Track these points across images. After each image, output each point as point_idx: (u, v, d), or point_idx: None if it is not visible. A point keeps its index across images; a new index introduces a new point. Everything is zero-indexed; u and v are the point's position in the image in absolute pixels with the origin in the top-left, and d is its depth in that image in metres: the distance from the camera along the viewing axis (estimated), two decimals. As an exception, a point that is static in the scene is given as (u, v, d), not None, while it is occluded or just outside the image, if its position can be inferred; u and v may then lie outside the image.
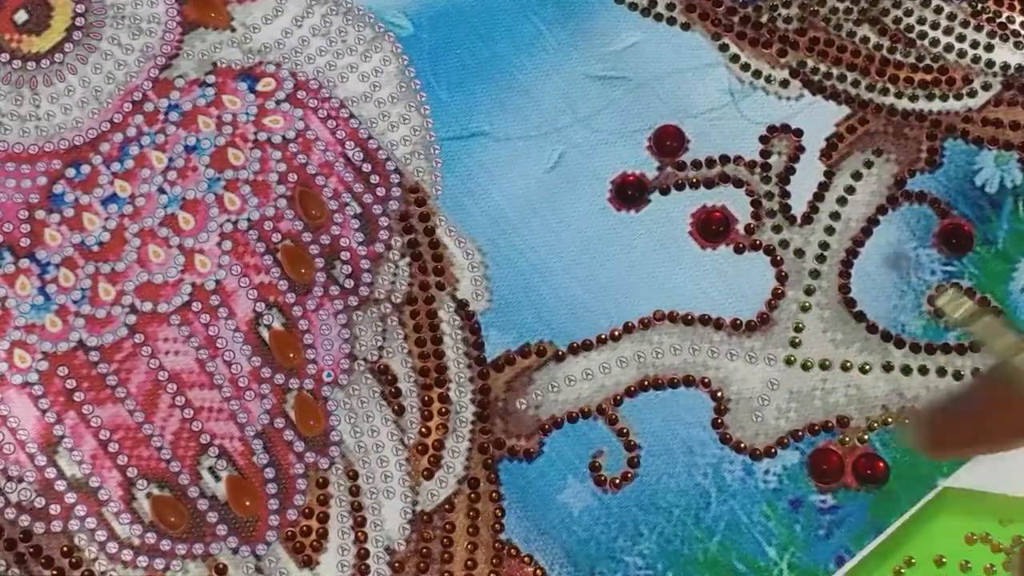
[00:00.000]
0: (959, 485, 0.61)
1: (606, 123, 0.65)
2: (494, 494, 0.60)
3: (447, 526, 0.59)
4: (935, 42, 0.67)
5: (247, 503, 0.58)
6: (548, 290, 0.62)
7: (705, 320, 0.62)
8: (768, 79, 0.66)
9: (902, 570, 0.59)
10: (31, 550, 0.57)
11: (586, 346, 0.62)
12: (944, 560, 0.59)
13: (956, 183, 0.65)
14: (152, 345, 0.60)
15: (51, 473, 0.58)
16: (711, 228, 0.63)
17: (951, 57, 0.67)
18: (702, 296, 0.63)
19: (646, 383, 0.61)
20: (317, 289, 0.61)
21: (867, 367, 0.62)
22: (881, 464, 0.61)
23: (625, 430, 0.61)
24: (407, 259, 0.62)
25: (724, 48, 0.66)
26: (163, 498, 0.58)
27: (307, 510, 0.59)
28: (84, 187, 0.61)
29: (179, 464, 0.58)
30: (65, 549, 0.57)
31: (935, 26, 0.67)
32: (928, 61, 0.67)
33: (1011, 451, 0.41)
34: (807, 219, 0.64)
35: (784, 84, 0.66)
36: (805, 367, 0.62)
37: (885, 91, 0.66)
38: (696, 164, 0.64)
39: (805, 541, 0.60)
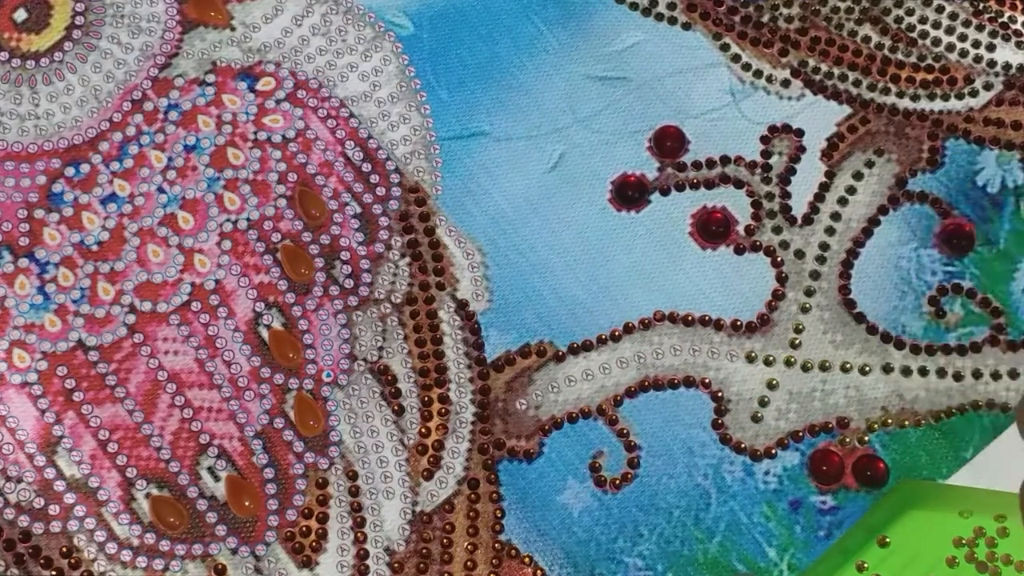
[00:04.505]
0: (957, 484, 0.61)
1: (606, 123, 0.64)
2: (494, 495, 0.60)
3: (447, 527, 0.59)
4: (937, 42, 0.67)
5: (246, 503, 0.58)
6: (548, 290, 0.62)
7: (705, 321, 0.62)
8: (769, 79, 0.66)
9: (865, 564, 0.59)
10: (30, 550, 0.57)
11: (586, 346, 0.62)
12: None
13: (957, 183, 0.65)
14: (151, 345, 0.60)
15: (50, 473, 0.58)
16: (711, 229, 0.63)
17: (952, 57, 0.67)
18: (702, 297, 0.63)
19: (646, 384, 0.61)
20: (317, 289, 0.61)
21: (867, 368, 0.62)
22: (881, 465, 0.61)
23: (625, 431, 0.61)
24: (407, 259, 0.62)
25: (725, 48, 0.66)
26: (162, 498, 0.58)
27: (306, 510, 0.59)
28: (83, 186, 0.61)
29: (178, 464, 0.58)
30: (64, 549, 0.57)
31: (937, 25, 0.67)
32: (930, 61, 0.67)
33: None
34: (807, 220, 0.64)
35: (785, 84, 0.66)
36: (805, 368, 0.62)
37: (886, 91, 0.66)
38: (696, 165, 0.64)
39: (805, 542, 0.60)
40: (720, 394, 0.61)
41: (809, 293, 0.63)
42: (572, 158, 0.64)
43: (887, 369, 0.62)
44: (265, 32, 0.64)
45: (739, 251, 0.63)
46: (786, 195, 0.64)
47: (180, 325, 0.60)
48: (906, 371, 0.62)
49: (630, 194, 0.64)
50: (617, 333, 0.62)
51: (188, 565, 0.58)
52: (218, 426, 0.59)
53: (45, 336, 0.59)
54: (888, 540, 0.59)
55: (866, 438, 0.61)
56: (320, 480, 0.59)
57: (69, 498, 0.58)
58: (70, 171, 0.61)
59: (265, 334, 0.60)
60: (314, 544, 0.59)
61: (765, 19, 0.67)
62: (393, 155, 0.63)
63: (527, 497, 0.60)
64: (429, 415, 0.60)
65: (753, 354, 0.62)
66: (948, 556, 0.59)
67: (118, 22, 0.63)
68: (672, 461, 0.61)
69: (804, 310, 0.63)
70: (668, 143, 0.64)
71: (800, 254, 0.63)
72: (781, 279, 0.63)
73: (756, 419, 0.61)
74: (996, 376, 0.62)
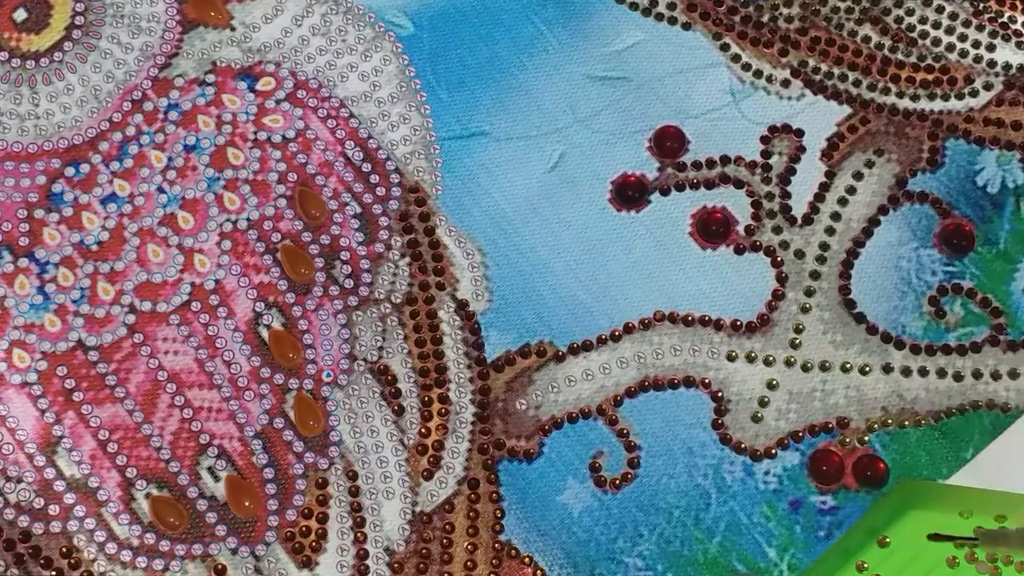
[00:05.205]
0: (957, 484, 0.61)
1: (606, 123, 0.64)
2: (494, 495, 0.60)
3: (447, 527, 0.59)
4: (937, 42, 0.67)
5: (246, 503, 0.58)
6: (548, 290, 0.62)
7: (705, 321, 0.62)
8: (769, 79, 0.66)
9: (865, 564, 0.59)
10: (30, 551, 0.57)
11: (586, 346, 0.62)
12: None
13: (957, 183, 0.65)
14: (151, 345, 0.60)
15: (50, 473, 0.58)
16: (711, 229, 0.63)
17: (953, 57, 0.67)
18: (702, 297, 0.63)
19: (646, 384, 0.61)
20: (317, 289, 0.61)
21: (867, 368, 0.62)
22: (881, 465, 0.61)
23: (625, 431, 0.61)
24: (407, 259, 0.62)
25: (725, 48, 0.66)
26: (162, 498, 0.58)
27: (306, 510, 0.59)
28: (83, 186, 0.61)
29: (178, 464, 0.58)
30: (64, 550, 0.57)
31: (937, 26, 0.67)
32: (930, 61, 0.67)
33: None
34: (807, 220, 0.64)
35: (785, 84, 0.66)
36: (805, 368, 0.62)
37: (886, 91, 0.66)
38: (696, 165, 0.64)
39: (805, 542, 0.60)
40: (720, 394, 0.61)
41: (809, 293, 0.63)
42: (572, 158, 0.64)
43: (887, 369, 0.62)
44: (265, 32, 0.64)
45: (739, 251, 0.63)
46: (786, 195, 0.64)
47: (180, 325, 0.60)
48: (906, 371, 0.62)
49: (630, 194, 0.64)
50: (617, 333, 0.62)
51: (188, 565, 0.58)
52: (218, 426, 0.59)
53: (45, 336, 0.59)
54: (888, 540, 0.59)
55: (866, 438, 0.61)
56: (320, 480, 0.59)
57: (69, 498, 0.58)
58: (70, 171, 0.61)
59: (265, 334, 0.60)
60: (314, 544, 0.58)
61: (765, 19, 0.67)
62: (393, 155, 0.63)
63: (527, 497, 0.60)
64: (429, 415, 0.60)
65: (753, 354, 0.62)
66: (948, 556, 0.59)
67: (118, 22, 0.63)
68: (672, 461, 0.61)
69: (804, 310, 0.63)
70: (668, 143, 0.64)
71: (800, 254, 0.63)
72: (781, 279, 0.63)
73: (756, 419, 0.61)
74: (996, 376, 0.62)
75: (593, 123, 0.64)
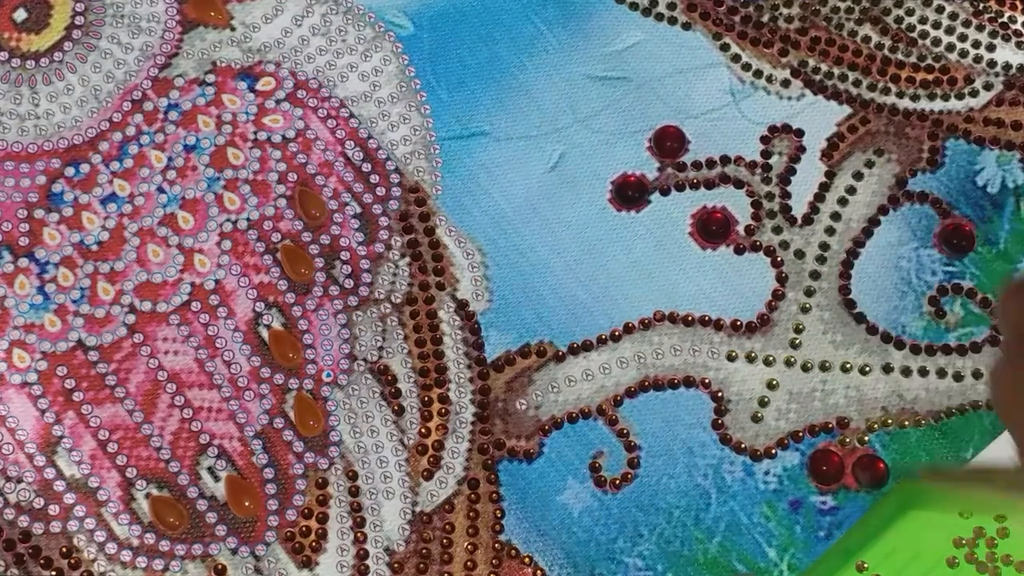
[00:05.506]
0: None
1: (606, 123, 0.64)
2: (494, 495, 0.60)
3: (447, 527, 0.59)
4: (937, 42, 0.67)
5: (246, 503, 0.58)
6: (548, 290, 0.62)
7: (705, 321, 0.62)
8: (769, 79, 0.66)
9: (865, 564, 0.59)
10: (30, 551, 0.57)
11: (586, 346, 0.62)
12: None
13: (957, 183, 0.65)
14: (151, 345, 0.60)
15: (50, 473, 0.58)
16: (711, 229, 0.63)
17: (953, 57, 0.67)
18: (702, 297, 0.63)
19: (646, 384, 0.61)
20: (317, 289, 0.61)
21: (867, 368, 0.62)
22: (881, 465, 0.61)
23: (625, 431, 0.61)
24: (407, 259, 0.62)
25: (725, 48, 0.66)
26: (162, 498, 0.58)
27: (306, 510, 0.59)
28: (83, 186, 0.61)
29: (178, 464, 0.58)
30: (64, 550, 0.57)
31: (937, 25, 0.67)
32: (930, 61, 0.67)
33: None
34: (807, 220, 0.64)
35: (785, 84, 0.66)
36: (805, 368, 0.62)
37: (886, 91, 0.66)
38: (696, 165, 0.64)
39: (805, 542, 0.60)
40: (720, 394, 0.61)
41: (809, 293, 0.63)
42: (572, 158, 0.64)
43: (887, 369, 0.62)
44: (265, 32, 0.64)
45: (739, 251, 0.63)
46: (786, 195, 0.64)
47: (180, 325, 0.60)
48: (906, 371, 0.62)
49: (630, 194, 0.64)
50: (617, 333, 0.62)
51: (188, 565, 0.58)
52: (218, 426, 0.59)
53: (45, 336, 0.59)
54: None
55: (866, 438, 0.61)
56: (320, 480, 0.59)
57: (69, 498, 0.58)
58: (70, 171, 0.61)
59: (265, 334, 0.60)
60: (314, 544, 0.59)
61: (765, 19, 0.67)
62: (393, 155, 0.63)
63: (527, 497, 0.60)
64: (429, 415, 0.60)
65: (753, 354, 0.62)
66: (948, 556, 0.59)
67: (118, 22, 0.63)
68: (672, 461, 0.61)
69: (804, 310, 0.63)
70: (668, 143, 0.64)
71: (800, 254, 0.63)
72: (781, 279, 0.63)
73: (756, 419, 0.61)
74: (996, 376, 0.62)
75: (593, 123, 0.64)
